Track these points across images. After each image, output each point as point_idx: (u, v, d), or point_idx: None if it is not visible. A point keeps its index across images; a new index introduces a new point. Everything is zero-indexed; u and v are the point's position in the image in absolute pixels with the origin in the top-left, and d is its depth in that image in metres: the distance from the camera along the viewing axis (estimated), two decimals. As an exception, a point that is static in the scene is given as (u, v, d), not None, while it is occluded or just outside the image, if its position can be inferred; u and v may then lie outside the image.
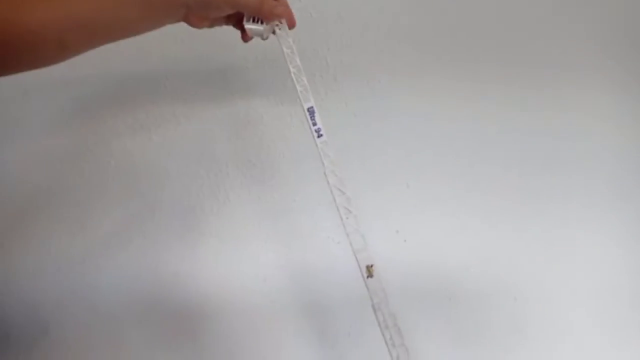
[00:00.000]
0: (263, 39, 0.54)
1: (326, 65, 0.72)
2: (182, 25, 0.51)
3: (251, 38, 0.54)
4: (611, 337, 0.73)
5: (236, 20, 0.54)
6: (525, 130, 0.74)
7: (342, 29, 0.72)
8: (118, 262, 0.69)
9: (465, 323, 0.71)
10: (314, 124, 0.52)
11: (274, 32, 0.53)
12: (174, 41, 0.70)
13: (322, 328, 0.69)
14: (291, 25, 0.53)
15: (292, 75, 0.52)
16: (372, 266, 0.49)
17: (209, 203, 0.71)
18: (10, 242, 0.69)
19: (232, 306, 0.69)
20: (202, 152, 0.71)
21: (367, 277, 0.49)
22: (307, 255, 0.70)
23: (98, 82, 0.71)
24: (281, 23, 0.52)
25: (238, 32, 0.55)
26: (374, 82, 0.73)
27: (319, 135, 0.51)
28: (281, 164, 0.72)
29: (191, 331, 0.69)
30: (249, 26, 0.52)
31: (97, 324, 0.69)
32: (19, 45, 0.42)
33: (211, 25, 0.52)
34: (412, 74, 0.73)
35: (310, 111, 0.52)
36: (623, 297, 0.73)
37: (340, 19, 0.72)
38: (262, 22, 0.52)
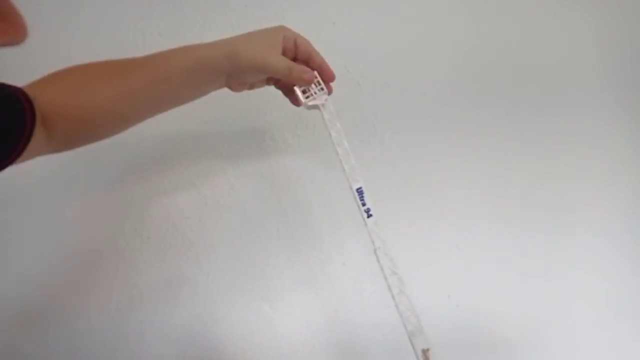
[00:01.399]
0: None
1: (374, 130, 0.73)
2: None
3: (298, 103, 0.55)
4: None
5: (275, 82, 0.56)
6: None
7: (389, 95, 0.74)
8: (168, 320, 0.71)
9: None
10: (363, 204, 0.52)
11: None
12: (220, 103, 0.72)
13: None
14: (329, 78, 0.55)
15: (340, 157, 0.53)
16: (428, 350, 0.48)
17: (260, 265, 0.72)
18: (69, 299, 0.71)
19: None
20: (251, 214, 0.73)
21: (423, 361, 0.48)
22: (356, 320, 0.70)
23: (144, 143, 0.73)
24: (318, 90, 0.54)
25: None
26: (422, 146, 0.73)
27: (369, 216, 0.52)
28: (329, 227, 0.73)
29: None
30: (298, 93, 0.54)
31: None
32: (83, 124, 0.49)
33: (251, 88, 0.56)
34: (461, 136, 0.73)
35: (359, 192, 0.53)
36: None
37: (387, 86, 0.74)
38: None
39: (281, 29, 0.52)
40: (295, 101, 0.55)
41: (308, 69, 0.53)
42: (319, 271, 0.72)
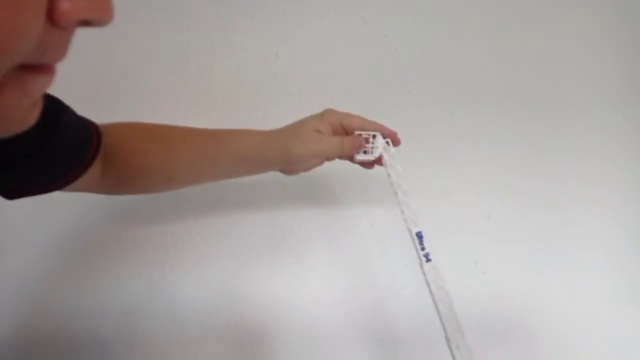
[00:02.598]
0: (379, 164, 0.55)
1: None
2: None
3: (372, 165, 0.56)
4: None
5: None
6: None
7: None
8: (198, 277, 0.71)
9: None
10: (423, 249, 0.49)
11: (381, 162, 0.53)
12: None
13: (392, 356, 0.74)
14: (395, 142, 0.55)
15: (399, 200, 0.48)
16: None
17: (289, 222, 0.71)
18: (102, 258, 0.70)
19: (307, 327, 0.72)
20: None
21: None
22: (381, 280, 0.73)
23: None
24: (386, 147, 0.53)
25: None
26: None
27: (428, 260, 0.49)
28: (359, 190, 0.71)
29: (267, 348, 0.72)
30: (359, 158, 0.54)
31: (177, 336, 0.71)
32: (135, 174, 0.52)
33: (308, 170, 0.57)
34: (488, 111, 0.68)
35: (419, 236, 0.49)
36: None
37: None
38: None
39: (325, 113, 0.54)
40: (366, 166, 0.56)
41: (355, 136, 0.53)
42: (347, 231, 0.71)
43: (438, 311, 0.50)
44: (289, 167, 0.54)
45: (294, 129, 0.53)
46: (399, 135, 0.55)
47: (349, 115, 0.54)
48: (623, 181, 0.79)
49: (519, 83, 0.79)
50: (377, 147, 0.53)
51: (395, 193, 0.49)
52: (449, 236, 0.71)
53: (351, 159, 0.55)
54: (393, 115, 0.69)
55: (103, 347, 0.72)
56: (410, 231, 0.49)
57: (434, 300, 0.51)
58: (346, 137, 0.53)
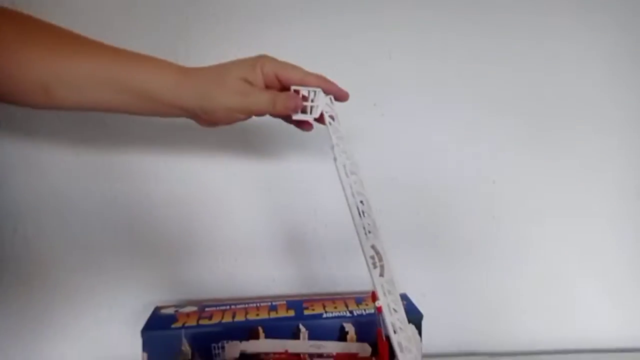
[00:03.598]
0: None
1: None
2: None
3: (311, 126, 0.51)
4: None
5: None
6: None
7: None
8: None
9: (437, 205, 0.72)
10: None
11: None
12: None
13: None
14: (341, 98, 0.49)
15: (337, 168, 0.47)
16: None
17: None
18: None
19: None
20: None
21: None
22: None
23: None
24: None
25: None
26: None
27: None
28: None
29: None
30: (296, 117, 0.49)
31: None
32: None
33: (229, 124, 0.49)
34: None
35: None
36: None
37: None
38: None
39: (259, 60, 0.46)
40: (303, 127, 0.51)
41: (291, 94, 0.47)
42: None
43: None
44: (207, 117, 0.47)
45: (218, 75, 0.45)
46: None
47: (286, 65, 0.47)
48: None
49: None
50: (317, 106, 0.48)
51: (335, 158, 0.46)
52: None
53: (286, 117, 0.50)
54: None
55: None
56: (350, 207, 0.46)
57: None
58: (280, 94, 0.46)
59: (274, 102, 0.46)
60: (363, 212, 0.46)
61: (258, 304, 0.63)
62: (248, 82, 0.45)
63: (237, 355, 0.57)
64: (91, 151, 0.66)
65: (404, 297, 0.64)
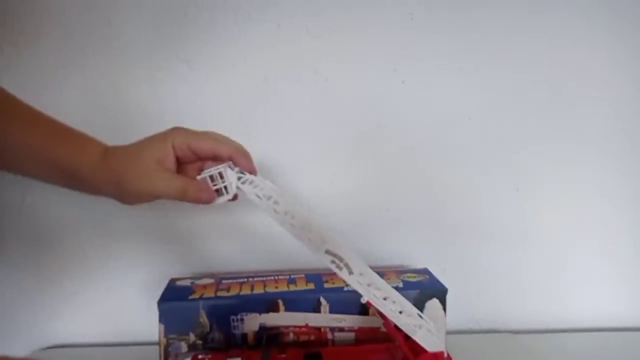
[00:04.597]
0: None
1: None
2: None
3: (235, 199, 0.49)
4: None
5: None
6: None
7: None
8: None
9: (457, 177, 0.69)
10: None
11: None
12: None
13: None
14: (250, 172, 0.48)
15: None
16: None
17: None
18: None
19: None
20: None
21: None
22: (287, 89, 0.64)
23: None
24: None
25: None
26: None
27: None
28: None
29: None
30: (217, 202, 0.47)
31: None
32: None
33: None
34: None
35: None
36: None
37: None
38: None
39: (170, 135, 0.45)
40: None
41: (202, 185, 0.46)
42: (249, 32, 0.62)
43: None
44: (123, 199, 0.46)
45: (132, 158, 0.45)
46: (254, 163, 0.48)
47: (198, 136, 0.45)
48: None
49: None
50: (231, 183, 0.46)
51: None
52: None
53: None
54: None
55: None
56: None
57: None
58: (192, 184, 0.45)
59: (185, 192, 0.45)
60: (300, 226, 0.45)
61: (276, 277, 0.61)
62: (160, 163, 0.44)
63: (256, 328, 0.55)
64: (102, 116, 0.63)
65: (426, 272, 0.62)
